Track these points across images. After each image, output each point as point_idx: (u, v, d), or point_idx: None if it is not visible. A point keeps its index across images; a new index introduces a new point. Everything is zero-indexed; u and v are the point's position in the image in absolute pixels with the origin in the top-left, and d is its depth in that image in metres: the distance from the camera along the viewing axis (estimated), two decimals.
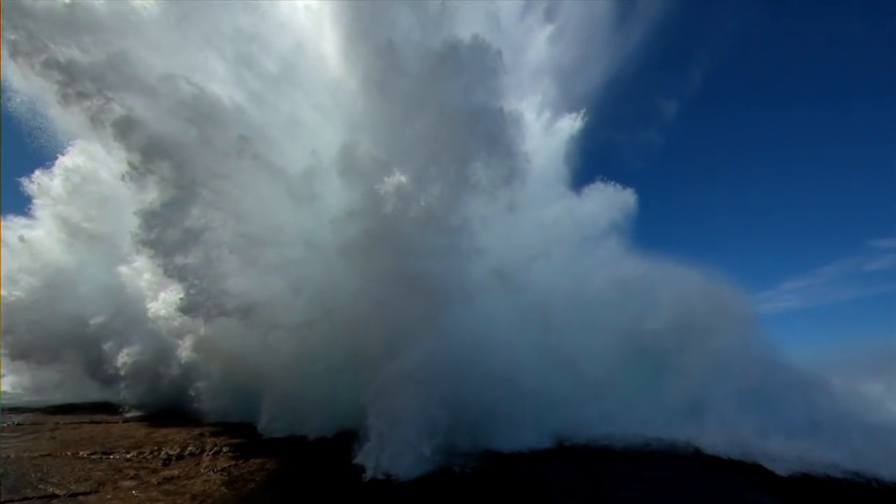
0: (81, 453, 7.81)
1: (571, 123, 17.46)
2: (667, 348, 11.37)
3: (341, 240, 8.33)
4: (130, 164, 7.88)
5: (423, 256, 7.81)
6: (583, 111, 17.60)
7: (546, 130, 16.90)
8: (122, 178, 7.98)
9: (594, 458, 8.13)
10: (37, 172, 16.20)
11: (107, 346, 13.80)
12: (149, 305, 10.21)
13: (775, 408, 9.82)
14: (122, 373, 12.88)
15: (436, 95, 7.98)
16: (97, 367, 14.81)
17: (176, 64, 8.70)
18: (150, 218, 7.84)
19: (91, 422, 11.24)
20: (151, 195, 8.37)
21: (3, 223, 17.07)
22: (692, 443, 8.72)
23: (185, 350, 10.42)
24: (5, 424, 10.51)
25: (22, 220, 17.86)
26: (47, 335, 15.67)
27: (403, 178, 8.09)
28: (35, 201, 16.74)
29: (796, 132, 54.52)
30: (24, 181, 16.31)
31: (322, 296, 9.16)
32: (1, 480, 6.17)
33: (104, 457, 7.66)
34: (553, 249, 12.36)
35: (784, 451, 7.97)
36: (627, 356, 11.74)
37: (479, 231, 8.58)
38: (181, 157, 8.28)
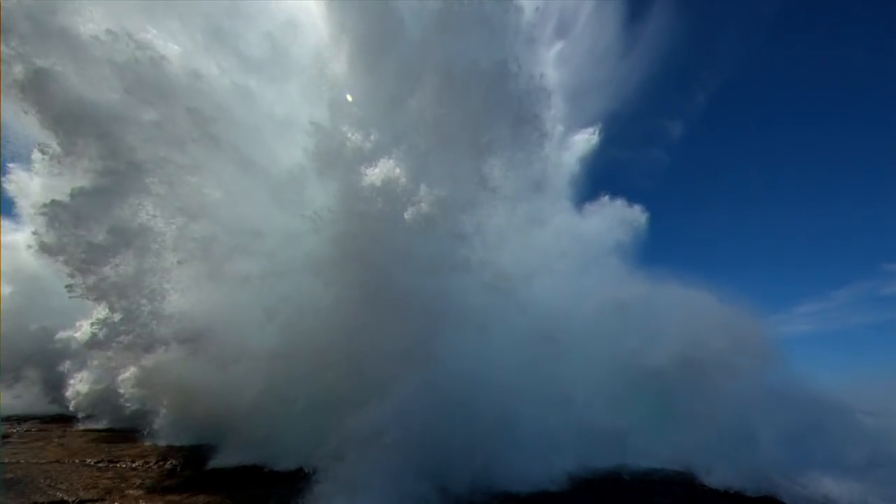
0: (88, 461, 7.81)
1: (588, 138, 16.54)
2: (673, 388, 9.86)
3: (309, 249, 6.15)
4: (40, 146, 5.96)
5: (417, 270, 5.61)
6: (599, 125, 16.86)
7: (559, 145, 15.68)
8: (32, 167, 6.04)
9: (603, 487, 7.80)
10: (11, 166, 14.38)
11: (64, 367, 11.96)
12: (78, 324, 8.11)
13: (799, 444, 8.93)
14: (71, 407, 10.98)
15: (442, 51, 5.71)
16: (57, 389, 12.98)
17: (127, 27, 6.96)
18: (57, 213, 5.83)
19: (96, 430, 11.05)
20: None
21: None
22: (700, 478, 8.17)
23: (126, 385, 8.33)
24: (13, 431, 10.44)
25: (10, 224, 16.55)
26: (12, 352, 13.96)
27: (397, 169, 5.90)
28: (17, 201, 15.18)
29: (811, 155, 53.29)
30: (4, 179, 14.68)
31: (303, 319, 7.24)
32: (10, 486, 6.30)
33: (111, 465, 7.68)
34: (557, 266, 11.13)
35: (808, 488, 7.55)
36: (629, 391, 10.07)
37: (492, 241, 6.39)
38: (115, 135, 6.40)
